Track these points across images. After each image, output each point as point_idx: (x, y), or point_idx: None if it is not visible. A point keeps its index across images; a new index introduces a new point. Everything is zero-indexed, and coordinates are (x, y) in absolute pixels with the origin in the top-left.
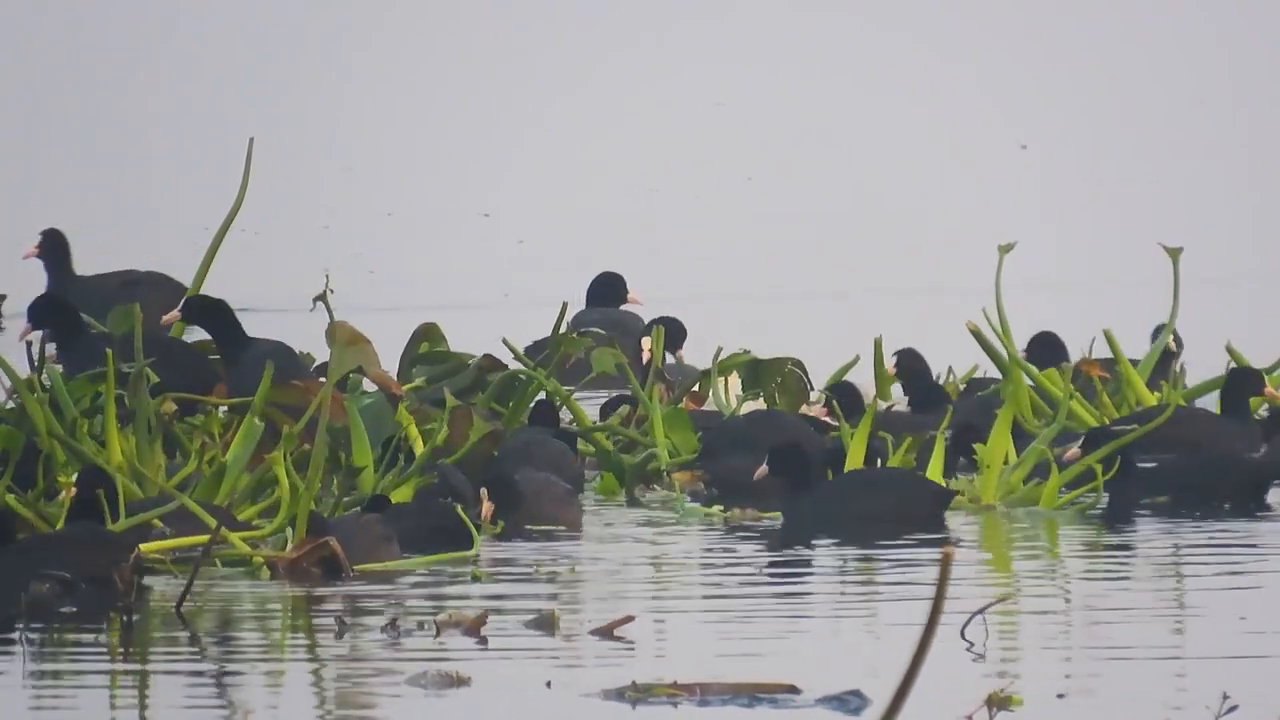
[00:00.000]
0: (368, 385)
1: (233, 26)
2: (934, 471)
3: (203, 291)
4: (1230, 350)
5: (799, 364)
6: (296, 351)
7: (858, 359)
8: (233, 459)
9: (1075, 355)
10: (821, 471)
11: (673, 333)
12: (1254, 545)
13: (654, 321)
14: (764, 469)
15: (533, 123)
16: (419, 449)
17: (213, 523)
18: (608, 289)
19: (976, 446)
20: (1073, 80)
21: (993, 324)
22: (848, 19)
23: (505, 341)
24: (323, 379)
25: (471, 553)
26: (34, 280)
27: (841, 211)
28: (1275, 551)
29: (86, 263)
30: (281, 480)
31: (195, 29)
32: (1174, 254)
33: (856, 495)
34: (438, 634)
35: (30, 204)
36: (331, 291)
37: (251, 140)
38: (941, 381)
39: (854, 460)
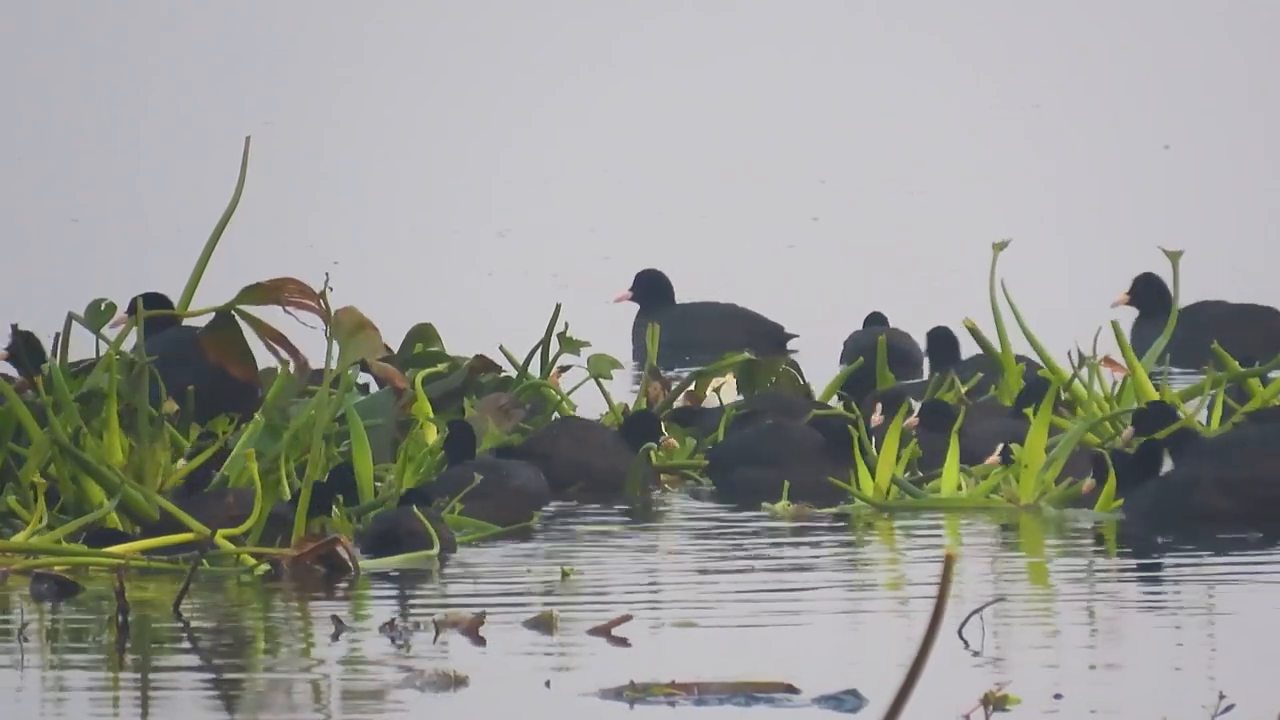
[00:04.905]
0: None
1: (233, 26)
2: (950, 470)
3: (199, 290)
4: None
5: (793, 364)
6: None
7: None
8: (233, 458)
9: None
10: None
11: (946, 343)
12: (1250, 545)
13: (935, 333)
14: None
15: (532, 122)
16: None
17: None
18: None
19: (1014, 446)
20: (1073, 80)
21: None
22: (849, 17)
23: (502, 349)
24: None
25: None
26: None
27: (842, 211)
28: (1274, 551)
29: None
30: (255, 478)
31: (195, 29)
32: (1174, 257)
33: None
34: (437, 634)
35: (30, 203)
36: (331, 290)
37: (249, 139)
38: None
39: (885, 461)
